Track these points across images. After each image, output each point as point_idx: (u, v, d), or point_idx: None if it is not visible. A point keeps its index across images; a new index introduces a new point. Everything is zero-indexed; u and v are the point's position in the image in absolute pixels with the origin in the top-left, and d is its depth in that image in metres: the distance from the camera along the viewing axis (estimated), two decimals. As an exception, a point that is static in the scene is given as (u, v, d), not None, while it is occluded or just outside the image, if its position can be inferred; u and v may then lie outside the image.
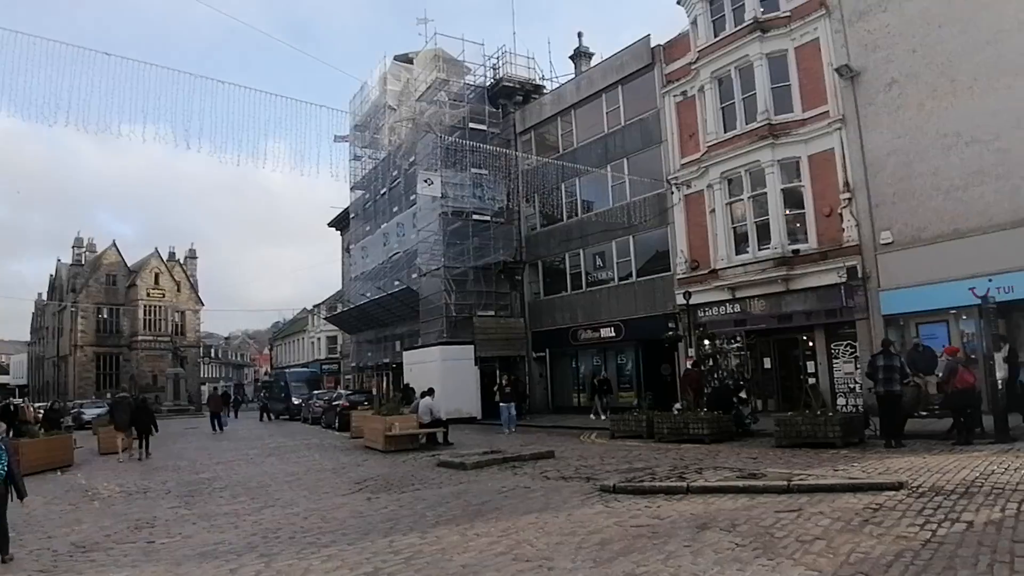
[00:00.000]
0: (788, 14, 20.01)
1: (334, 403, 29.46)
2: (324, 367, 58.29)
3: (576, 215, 28.38)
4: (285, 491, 11.62)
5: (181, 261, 66.11)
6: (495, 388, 28.39)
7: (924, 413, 14.91)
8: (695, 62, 22.20)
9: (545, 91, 32.18)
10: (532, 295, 30.47)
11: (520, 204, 30.68)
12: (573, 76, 31.34)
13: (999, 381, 12.69)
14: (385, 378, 39.13)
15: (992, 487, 7.93)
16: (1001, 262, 15.24)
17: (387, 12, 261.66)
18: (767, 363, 21.35)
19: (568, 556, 6.34)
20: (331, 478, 13.09)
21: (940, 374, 13.62)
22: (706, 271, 21.75)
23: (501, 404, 21.51)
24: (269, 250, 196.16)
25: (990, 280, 14.38)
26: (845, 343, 19.00)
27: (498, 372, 29.93)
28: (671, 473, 10.47)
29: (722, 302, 21.32)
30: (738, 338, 21.82)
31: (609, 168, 26.12)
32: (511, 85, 31.77)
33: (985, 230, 15.95)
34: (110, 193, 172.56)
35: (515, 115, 31.46)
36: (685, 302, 20.87)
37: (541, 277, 30.33)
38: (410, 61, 34.28)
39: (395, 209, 36.05)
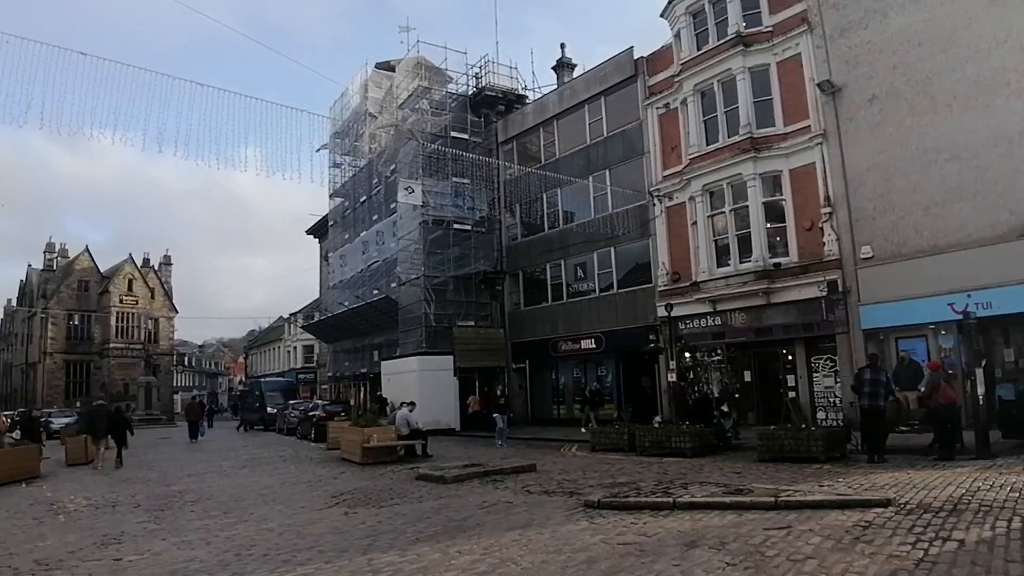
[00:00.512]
0: (771, 29, 20.17)
1: (310, 413, 28.96)
2: (300, 377, 57.58)
3: (558, 226, 28.31)
4: (259, 505, 11.29)
5: (155, 267, 65.03)
6: (468, 400, 28.31)
7: (905, 428, 14.95)
8: (678, 75, 22.29)
9: (528, 101, 32.18)
10: (512, 306, 30.31)
11: (501, 214, 30.57)
12: (556, 87, 31.37)
13: (980, 397, 12.72)
14: (363, 388, 38.70)
15: (980, 504, 7.87)
16: (980, 278, 15.36)
17: (360, 23, 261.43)
18: (747, 376, 21.32)
19: (555, 575, 6.15)
20: (307, 492, 12.76)
21: (923, 388, 13.66)
22: (687, 283, 21.74)
23: (494, 416, 21.09)
24: (243, 258, 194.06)
25: (969, 296, 14.48)
26: (825, 357, 19.03)
27: (477, 383, 29.80)
28: (656, 488, 10.31)
29: (703, 315, 21.31)
30: (719, 351, 21.83)
31: (591, 179, 26.09)
32: (493, 94, 31.73)
33: (964, 246, 16.08)
34: (80, 199, 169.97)
35: (497, 124, 31.40)
36: (666, 314, 20.82)
37: (522, 288, 30.20)
38: (392, 69, 34.06)
39: (375, 217, 35.72)
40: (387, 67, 34.78)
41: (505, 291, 30.42)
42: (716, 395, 17.55)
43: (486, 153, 28.27)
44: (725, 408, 17.85)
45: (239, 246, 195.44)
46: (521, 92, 32.88)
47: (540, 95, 31.60)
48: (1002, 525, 6.78)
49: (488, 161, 26.03)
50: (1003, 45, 15.88)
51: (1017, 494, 8.27)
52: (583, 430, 22.95)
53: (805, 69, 19.45)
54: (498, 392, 21.60)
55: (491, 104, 31.81)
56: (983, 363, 13.34)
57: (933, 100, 16.95)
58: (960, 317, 13.50)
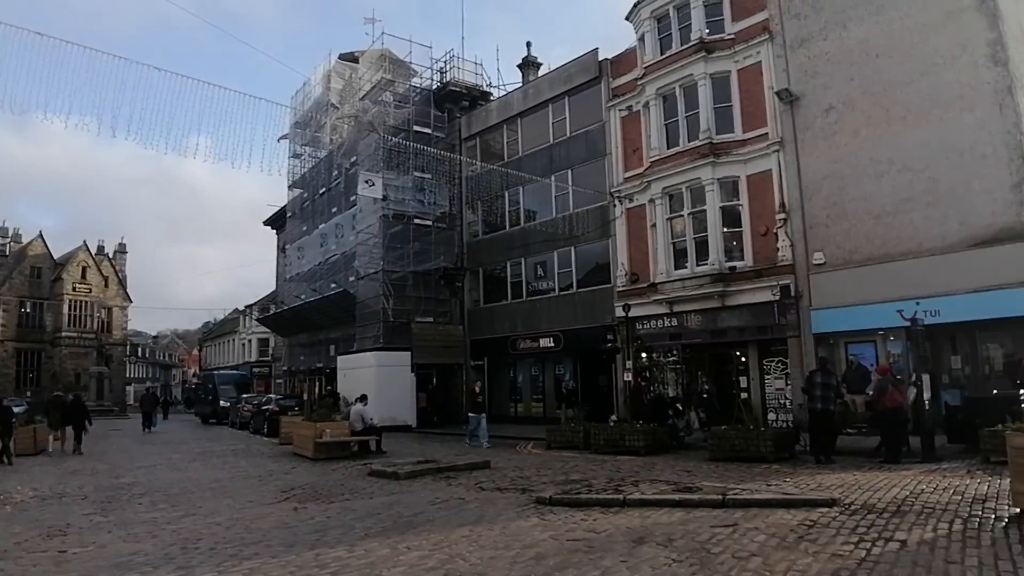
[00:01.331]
0: (732, 37, 20.45)
1: (263, 408, 28.60)
2: (255, 370, 56.67)
3: (519, 224, 28.31)
4: (208, 499, 11.09)
5: (110, 256, 63.23)
6: (425, 392, 28.24)
7: (852, 430, 15.32)
8: (641, 78, 22.46)
9: (492, 98, 32.05)
10: (472, 303, 30.22)
11: (463, 210, 30.43)
12: (520, 85, 31.35)
13: (926, 401, 13.09)
14: (318, 383, 38.19)
15: (923, 506, 8.08)
16: (928, 286, 15.78)
17: (321, 16, 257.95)
18: (701, 377, 21.63)
19: (502, 571, 6.13)
20: (257, 486, 12.55)
21: (871, 392, 14.00)
22: (645, 285, 21.93)
23: (471, 415, 20.07)
24: (196, 248, 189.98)
25: (917, 303, 14.86)
26: (777, 360, 19.39)
27: (435, 380, 29.67)
28: (607, 485, 10.38)
29: (660, 316, 21.51)
30: (674, 352, 22.16)
31: (553, 178, 26.13)
32: (458, 90, 31.53)
33: (914, 255, 16.51)
34: (29, 184, 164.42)
35: (461, 120, 31.24)
36: (624, 314, 20.97)
37: (482, 285, 30.12)
38: (356, 60, 33.66)
39: (334, 209, 35.26)
40: (351, 58, 34.37)
41: (465, 288, 30.30)
42: (676, 395, 17.73)
43: (449, 148, 28.06)
44: (679, 407, 18.07)
45: (192, 235, 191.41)
46: (486, 89, 32.71)
47: (505, 93, 31.55)
48: (944, 527, 6.97)
49: (451, 157, 25.84)
50: (958, 60, 16.34)
51: (960, 497, 8.50)
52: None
53: (765, 77, 19.78)
54: (476, 389, 21.19)
55: (455, 99, 31.62)
56: (929, 369, 13.75)
57: (888, 112, 17.36)
58: (908, 324, 13.84)
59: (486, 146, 30.17)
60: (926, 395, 13.16)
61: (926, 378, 13.34)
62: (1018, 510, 7.20)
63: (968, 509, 7.74)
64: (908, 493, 8.98)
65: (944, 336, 16.30)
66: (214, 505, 10.43)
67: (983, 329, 15.99)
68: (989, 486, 9.14)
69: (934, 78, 16.63)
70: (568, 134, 26.32)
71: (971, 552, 5.98)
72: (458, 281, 30.17)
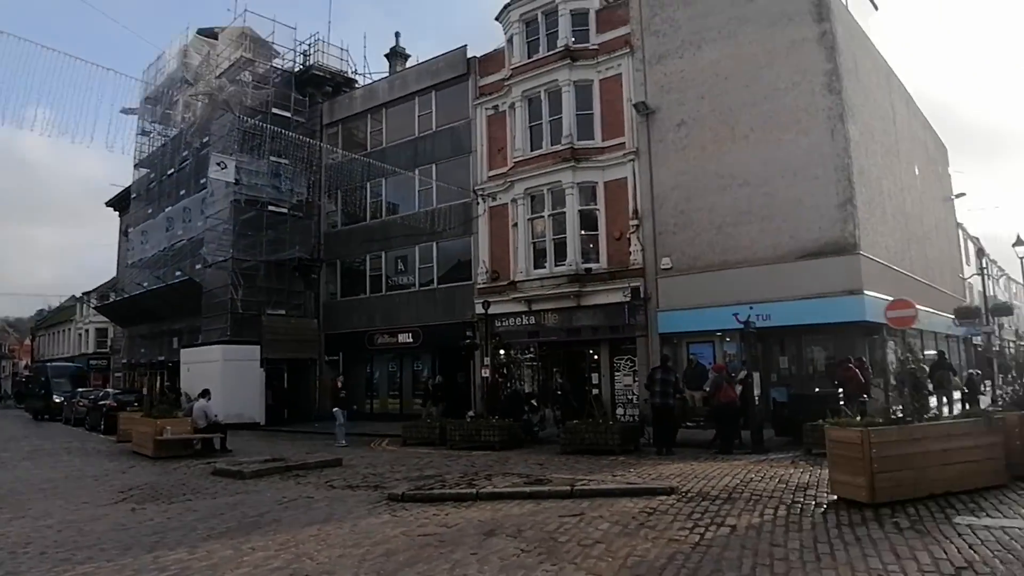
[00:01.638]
0: (596, 47, 21.26)
1: (100, 403, 26.43)
2: (92, 363, 52.00)
3: (380, 216, 27.84)
4: (39, 500, 10.26)
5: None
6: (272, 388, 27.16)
7: (691, 424, 16.39)
8: (508, 79, 22.82)
9: (357, 85, 31.34)
10: (328, 296, 29.37)
11: (322, 199, 29.47)
12: (387, 75, 30.84)
13: (756, 398, 14.24)
14: (159, 377, 35.62)
15: (752, 493, 8.78)
16: (761, 293, 17.19)
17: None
18: (557, 374, 22.30)
19: (350, 569, 6.05)
20: (92, 486, 11.66)
21: (708, 388, 15.04)
22: (505, 283, 22.30)
23: (334, 410, 18.98)
24: (30, 228, 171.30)
25: (751, 308, 16.10)
26: (626, 357, 20.37)
27: (286, 376, 28.57)
28: (461, 480, 10.47)
29: (519, 314, 21.97)
30: (532, 349, 22.69)
31: (417, 172, 25.91)
32: (321, 74, 30.52)
33: (750, 263, 17.93)
34: None
35: (323, 106, 30.28)
36: (484, 311, 21.22)
37: (339, 277, 29.33)
38: (215, 36, 31.68)
39: (182, 192, 32.94)
40: (210, 34, 32.31)
41: (321, 280, 29.40)
42: (532, 391, 18.09)
43: (309, 134, 27.05)
44: (535, 403, 18.50)
45: (25, 214, 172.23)
46: (351, 76, 31.91)
47: (371, 81, 30.93)
48: (770, 513, 7.60)
49: (310, 143, 24.96)
50: (797, 87, 17.90)
51: (784, 485, 9.30)
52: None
53: (624, 89, 20.72)
54: (338, 384, 20.39)
55: (318, 84, 30.60)
56: (760, 368, 14.98)
57: (733, 130, 18.72)
58: (742, 326, 14.99)
59: (349, 134, 29.41)
60: (756, 392, 14.34)
61: (756, 376, 14.53)
62: (835, 497, 7.97)
63: (792, 496, 8.47)
64: (739, 482, 9.73)
65: (774, 338, 17.82)
66: (45, 507, 9.68)
67: (808, 333, 17.68)
68: (810, 475, 10.04)
69: (776, 102, 18.12)
70: (434, 128, 26.21)
71: (793, 535, 6.55)
72: (314, 273, 29.21)
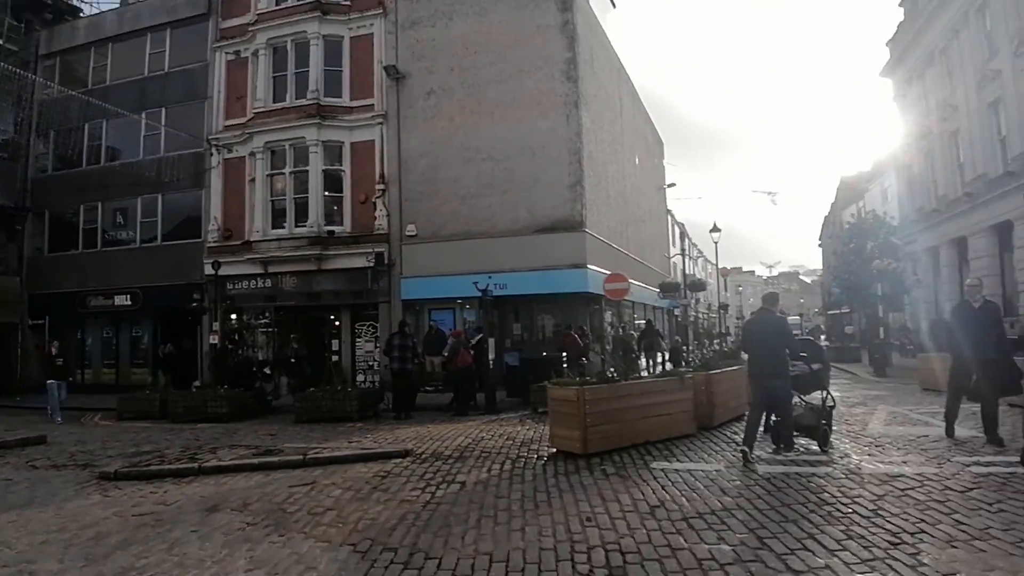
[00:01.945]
0: (349, 3, 20.53)
1: None
2: None
3: (99, 162, 24.28)
4: None
5: None
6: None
7: (430, 388, 16.77)
8: (253, 24, 21.13)
9: (82, 15, 27.13)
10: (34, 250, 25.06)
11: (32, 140, 24.97)
12: (118, 6, 26.92)
13: (490, 362, 14.95)
14: None
15: (481, 451, 9.20)
16: (499, 263, 18.05)
17: None
18: (292, 340, 21.43)
19: (55, 556, 5.34)
20: None
21: (446, 354, 15.46)
22: (239, 242, 20.83)
23: (48, 383, 16.10)
24: None
25: (490, 277, 16.80)
26: (368, 324, 20.21)
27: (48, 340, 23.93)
28: (182, 455, 9.63)
29: (254, 276, 20.66)
30: (267, 314, 21.54)
31: (144, 115, 23.01)
32: (41, -2, 25.78)
33: (490, 235, 18.70)
34: None
35: (41, 34, 25.65)
36: (214, 272, 19.61)
37: (47, 230, 25.09)
38: None
39: None
40: None
41: (26, 233, 24.97)
42: (266, 359, 17.17)
43: (21, 65, 22.66)
44: (268, 371, 17.62)
45: None
46: (75, 3, 27.55)
47: (98, 12, 26.83)
48: (496, 468, 8.02)
49: (22, 74, 21.03)
50: (540, 71, 18.85)
51: (512, 442, 9.87)
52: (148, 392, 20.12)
53: (375, 51, 20.28)
54: (52, 351, 17.02)
55: (37, 9, 25.96)
56: (496, 334, 15.73)
57: (480, 105, 19.25)
58: (481, 295, 15.61)
59: (68, 68, 25.17)
60: (491, 356, 15.06)
61: (492, 342, 15.26)
62: (555, 450, 8.66)
63: (517, 452, 9.03)
64: (471, 441, 10.16)
65: (510, 307, 18.87)
66: None
67: (540, 302, 18.98)
68: (535, 432, 10.80)
69: (519, 83, 18.95)
70: (166, 69, 23.47)
71: (516, 487, 6.98)
72: (18, 224, 24.71)
